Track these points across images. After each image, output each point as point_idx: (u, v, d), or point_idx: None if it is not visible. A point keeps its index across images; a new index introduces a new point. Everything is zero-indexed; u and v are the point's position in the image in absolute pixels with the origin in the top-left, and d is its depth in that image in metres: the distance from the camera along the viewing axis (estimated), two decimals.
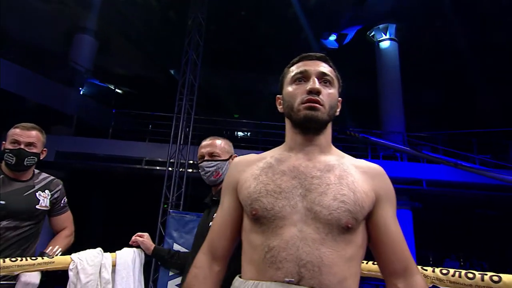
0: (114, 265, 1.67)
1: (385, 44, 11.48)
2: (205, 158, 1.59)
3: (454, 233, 11.41)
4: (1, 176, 1.73)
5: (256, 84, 13.23)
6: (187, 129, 7.65)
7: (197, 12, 8.32)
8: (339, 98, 1.03)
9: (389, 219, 0.91)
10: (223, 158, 1.59)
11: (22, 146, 1.71)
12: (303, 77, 0.97)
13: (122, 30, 11.43)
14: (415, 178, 8.73)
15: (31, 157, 1.74)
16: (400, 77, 10.98)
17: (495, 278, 1.11)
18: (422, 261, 9.01)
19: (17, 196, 1.70)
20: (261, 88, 13.19)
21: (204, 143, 1.64)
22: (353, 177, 0.90)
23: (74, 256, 1.59)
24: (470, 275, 1.16)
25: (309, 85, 0.94)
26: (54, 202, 1.84)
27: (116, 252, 1.73)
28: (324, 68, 0.99)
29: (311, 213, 0.85)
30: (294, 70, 1.01)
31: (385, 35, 11.48)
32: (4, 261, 1.37)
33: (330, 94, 0.96)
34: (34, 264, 1.45)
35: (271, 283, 0.82)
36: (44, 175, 1.89)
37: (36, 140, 1.76)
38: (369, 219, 0.91)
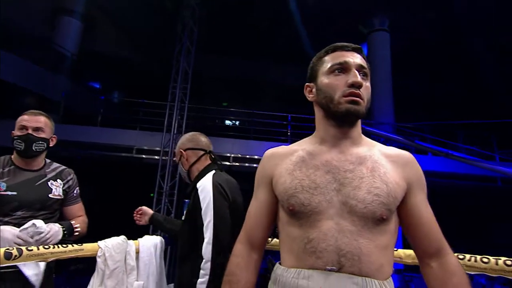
0: (137, 252, 1.74)
1: (376, 35, 11.49)
2: None
3: (446, 224, 11.77)
4: (12, 167, 1.70)
5: (250, 72, 13.06)
6: (180, 118, 7.51)
7: None
8: None
9: (422, 204, 0.95)
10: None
11: (30, 131, 1.70)
12: (342, 68, 0.97)
13: (109, 13, 10.95)
14: None
15: (40, 142, 1.72)
16: (390, 68, 11.06)
17: (509, 262, 1.20)
18: None
19: (29, 186, 1.70)
20: (254, 76, 13.04)
21: None
22: (384, 168, 0.93)
23: (102, 243, 1.64)
24: (485, 260, 1.25)
25: (351, 78, 0.94)
26: (67, 191, 1.83)
27: (139, 239, 1.79)
28: (361, 60, 0.99)
29: (346, 207, 0.88)
30: (330, 60, 1.00)
31: (377, 26, 11.48)
32: (38, 249, 1.40)
33: (367, 88, 0.97)
34: (66, 251, 1.49)
35: (313, 271, 0.86)
36: (55, 164, 1.87)
37: (44, 125, 1.76)
38: (402, 206, 0.94)
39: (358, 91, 0.94)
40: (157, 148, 7.57)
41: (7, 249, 1.37)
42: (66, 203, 1.84)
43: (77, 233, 1.75)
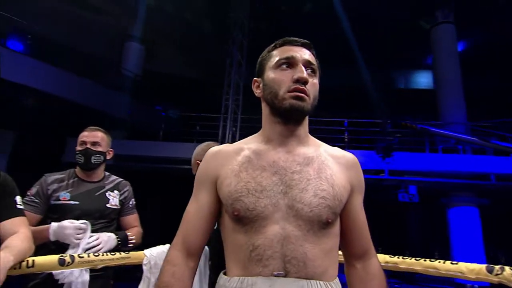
0: None
1: (439, 29, 10.56)
2: None
3: None
4: (75, 179, 1.86)
5: None
6: (234, 129, 7.65)
7: (239, 12, 8.28)
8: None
9: (359, 209, 0.97)
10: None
11: (88, 146, 1.85)
12: (289, 63, 0.94)
13: (166, 35, 11.80)
14: (482, 172, 7.92)
15: (97, 155, 1.87)
16: (459, 63, 10.02)
17: None
18: (492, 262, 8.13)
19: (89, 196, 1.83)
20: None
21: None
22: (331, 170, 0.91)
23: (147, 252, 1.67)
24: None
25: (297, 74, 0.91)
26: (123, 202, 1.94)
27: None
28: (310, 56, 0.96)
29: (292, 210, 0.86)
30: (278, 54, 0.96)
31: (440, 18, 10.56)
32: (89, 256, 1.49)
33: (314, 84, 0.94)
34: (113, 259, 1.56)
35: (256, 277, 0.83)
36: (113, 177, 2.02)
37: (101, 140, 1.91)
38: (343, 209, 0.93)
39: (303, 87, 0.90)
40: None
41: (61, 256, 1.45)
42: (122, 213, 1.95)
43: (131, 244, 1.83)
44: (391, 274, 8.63)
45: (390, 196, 8.90)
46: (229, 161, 0.95)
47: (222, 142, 7.75)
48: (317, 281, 0.84)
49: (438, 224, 10.20)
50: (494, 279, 1.20)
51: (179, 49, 12.36)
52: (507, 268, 1.20)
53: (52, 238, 1.57)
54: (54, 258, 1.42)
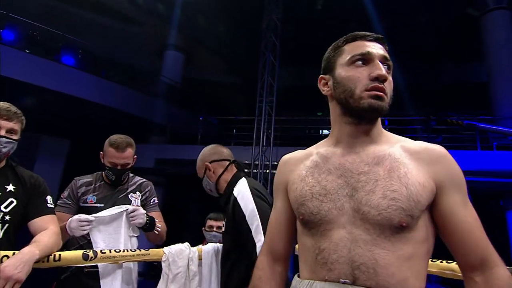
0: (200, 259, 1.79)
1: (491, 16, 9.70)
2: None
3: None
4: (102, 182, 1.97)
5: None
6: (269, 131, 7.65)
7: (271, 14, 8.30)
8: None
9: (456, 207, 0.80)
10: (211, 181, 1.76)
11: (119, 167, 1.92)
12: (364, 59, 0.87)
13: (203, 42, 12.19)
14: None
15: (126, 171, 1.97)
16: None
17: None
18: None
19: (114, 199, 1.92)
20: None
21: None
22: (405, 168, 0.81)
23: (166, 249, 1.74)
24: None
25: (375, 71, 0.85)
26: (144, 202, 2.01)
27: (202, 246, 1.84)
28: (385, 52, 0.90)
29: (359, 214, 0.80)
30: (350, 50, 0.90)
31: (491, 5, 9.71)
32: (110, 252, 1.58)
33: (390, 82, 0.88)
34: (134, 255, 1.64)
35: (325, 283, 0.80)
36: (137, 178, 2.09)
37: (129, 158, 1.95)
38: (434, 209, 0.82)
39: (382, 86, 0.84)
40: (247, 162, 7.86)
41: (85, 251, 1.56)
42: (145, 210, 2.00)
43: (157, 232, 1.88)
44: (443, 281, 8.08)
45: None
46: (298, 167, 0.96)
47: (257, 144, 7.80)
48: None
49: (495, 228, 9.35)
50: None
51: (215, 55, 12.70)
52: None
53: (70, 233, 1.66)
54: (78, 253, 1.53)
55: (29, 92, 7.33)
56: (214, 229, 2.62)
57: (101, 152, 1.97)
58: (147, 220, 1.80)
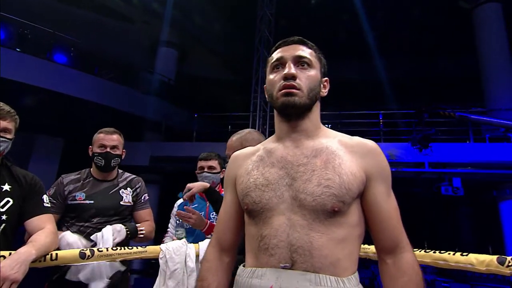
0: (197, 255, 1.79)
1: (483, 9, 9.75)
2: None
3: None
4: (91, 179, 1.95)
5: (334, 74, 12.61)
6: (264, 127, 7.66)
7: (265, 8, 8.27)
8: (325, 78, 1.02)
9: (380, 197, 0.91)
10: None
11: (108, 150, 1.91)
12: (280, 63, 0.97)
13: (197, 38, 12.11)
14: None
15: (116, 158, 1.94)
16: (507, 45, 9.19)
17: None
18: None
19: (104, 195, 1.91)
20: (339, 78, 12.57)
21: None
22: (340, 159, 0.90)
23: (163, 246, 1.74)
24: None
25: (284, 71, 0.94)
26: (135, 198, 2.00)
27: (199, 243, 1.84)
28: (302, 51, 0.97)
29: (296, 201, 0.87)
30: (271, 59, 1.01)
31: None
32: (107, 250, 1.57)
33: (309, 76, 0.95)
34: (131, 253, 1.64)
35: (266, 269, 0.86)
36: (126, 174, 2.07)
37: (118, 143, 1.97)
38: (362, 197, 0.91)
39: (291, 83, 0.92)
40: None
41: (82, 250, 1.56)
42: (136, 207, 2.01)
43: (141, 235, 1.88)
44: (439, 273, 8.18)
45: (432, 189, 8.41)
46: (245, 162, 1.03)
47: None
48: (326, 276, 0.82)
49: (489, 219, 9.48)
50: (506, 271, 1.11)
51: (209, 51, 12.63)
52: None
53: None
54: (75, 252, 1.51)
55: (21, 91, 7.26)
56: (205, 169, 2.31)
57: (90, 147, 1.97)
58: (127, 232, 1.80)
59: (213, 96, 13.07)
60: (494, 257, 1.11)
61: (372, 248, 1.37)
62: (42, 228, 1.47)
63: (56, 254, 1.45)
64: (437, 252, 1.30)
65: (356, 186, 0.88)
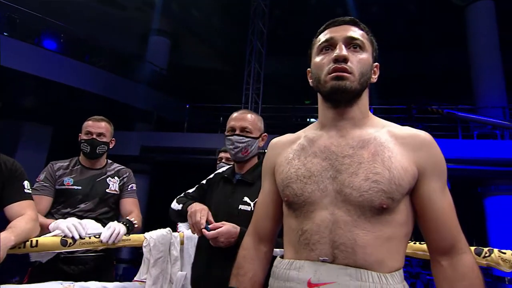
0: (182, 244, 1.79)
1: (475, 6, 9.81)
2: (236, 132, 1.54)
3: None
4: (79, 166, 1.96)
5: None
6: None
7: (259, 0, 8.19)
8: (376, 64, 0.95)
9: (435, 194, 0.84)
10: (254, 135, 1.54)
11: (94, 136, 1.92)
12: (330, 45, 0.90)
13: (190, 28, 11.96)
14: None
15: (102, 145, 1.95)
16: (498, 42, 9.28)
17: None
18: None
19: (91, 182, 1.92)
20: None
21: (236, 115, 1.59)
22: (390, 152, 0.83)
23: (147, 234, 1.73)
24: None
25: (335, 53, 0.87)
26: (122, 187, 2.00)
27: (184, 232, 1.85)
28: (354, 32, 0.90)
29: (341, 195, 0.82)
30: (319, 40, 0.94)
31: None
32: (90, 238, 1.56)
33: (361, 60, 0.88)
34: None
35: (304, 261, 0.83)
36: (115, 165, 2.08)
37: (105, 130, 1.96)
38: (413, 194, 0.85)
39: (342, 65, 0.85)
40: None
41: (64, 237, 1.55)
42: (122, 196, 2.00)
43: (136, 226, 1.86)
44: (424, 266, 8.36)
45: None
46: (285, 150, 0.98)
47: None
48: (369, 271, 0.77)
49: (474, 214, 9.69)
50: (482, 261, 1.14)
51: (202, 41, 12.50)
52: (495, 250, 1.14)
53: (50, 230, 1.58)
54: (56, 239, 1.49)
55: (9, 78, 7.10)
56: (223, 160, 2.55)
57: (80, 134, 1.98)
58: (126, 225, 1.73)
59: (205, 87, 12.99)
60: (472, 248, 1.14)
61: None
62: (22, 215, 1.46)
63: (37, 240, 1.42)
64: (417, 243, 1.31)
65: (407, 182, 0.81)
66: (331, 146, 0.89)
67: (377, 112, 9.32)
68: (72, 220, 1.55)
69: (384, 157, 0.82)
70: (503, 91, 8.92)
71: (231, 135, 1.54)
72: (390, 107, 9.08)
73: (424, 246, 1.31)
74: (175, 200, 1.68)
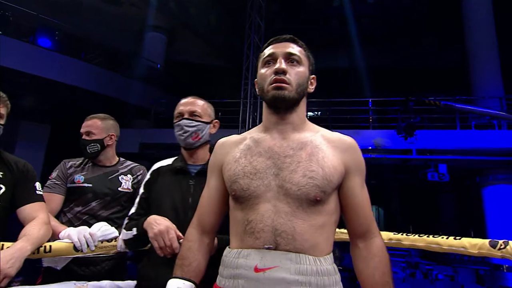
0: None
1: None
2: (185, 116, 1.46)
3: None
4: (91, 164, 1.91)
5: (324, 62, 12.60)
6: (255, 113, 7.64)
7: None
8: (313, 76, 1.09)
9: (356, 188, 1.01)
10: (204, 119, 1.49)
11: (83, 136, 1.88)
12: (272, 59, 1.04)
13: (186, 23, 11.84)
14: None
15: (92, 144, 1.86)
16: (495, 32, 9.28)
17: None
18: None
19: (102, 180, 1.86)
20: (329, 65, 12.54)
21: (183, 101, 1.53)
22: (323, 153, 0.98)
23: None
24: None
25: (275, 66, 1.01)
26: (136, 186, 1.91)
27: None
28: (292, 48, 1.05)
29: (282, 190, 0.95)
30: (263, 54, 1.08)
31: None
32: (102, 242, 1.54)
33: (298, 73, 1.03)
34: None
35: (251, 250, 0.94)
36: (129, 162, 2.02)
37: (94, 128, 1.88)
38: (340, 188, 1.01)
39: (281, 77, 0.99)
40: None
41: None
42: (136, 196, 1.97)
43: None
44: (423, 256, 8.46)
45: (419, 176, 8.61)
46: (233, 149, 1.09)
47: (243, 126, 7.80)
48: (306, 255, 0.91)
49: (472, 204, 9.79)
50: (497, 253, 1.17)
51: (199, 36, 12.39)
52: (510, 242, 1.17)
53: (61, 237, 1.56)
54: (70, 244, 1.48)
55: (4, 77, 7.02)
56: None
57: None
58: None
59: (202, 83, 12.92)
60: (486, 241, 1.17)
61: (343, 231, 1.53)
62: (34, 217, 1.43)
63: (50, 246, 1.42)
64: (430, 236, 1.37)
65: (337, 178, 0.97)
66: (274, 147, 1.01)
67: (375, 105, 9.34)
68: (84, 231, 1.52)
69: (319, 157, 0.97)
70: (500, 81, 8.95)
71: (180, 120, 1.45)
72: (387, 99, 9.09)
73: (438, 239, 1.40)
74: (123, 230, 1.45)
